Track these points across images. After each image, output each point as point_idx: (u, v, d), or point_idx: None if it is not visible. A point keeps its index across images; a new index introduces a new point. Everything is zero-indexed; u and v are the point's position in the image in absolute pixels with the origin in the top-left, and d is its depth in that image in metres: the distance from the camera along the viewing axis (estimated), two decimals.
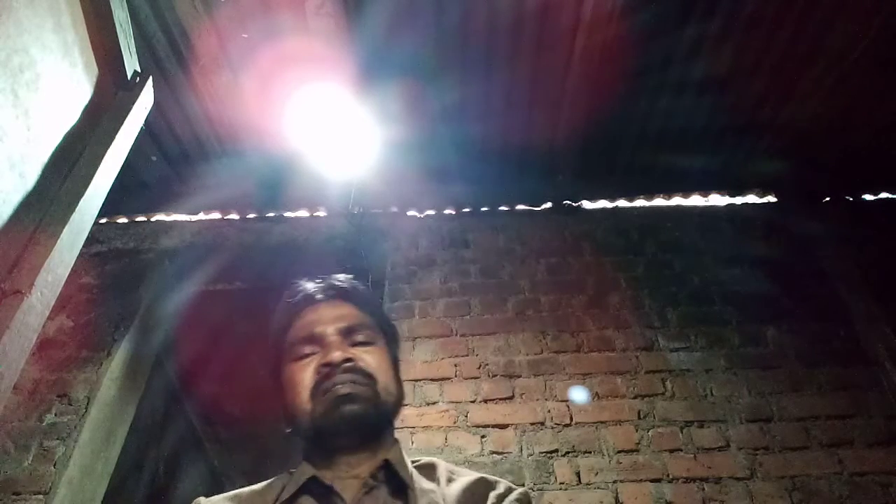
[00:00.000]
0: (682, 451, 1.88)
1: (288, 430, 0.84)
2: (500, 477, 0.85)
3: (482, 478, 0.83)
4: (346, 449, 0.79)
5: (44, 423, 2.01)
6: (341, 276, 0.95)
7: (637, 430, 1.93)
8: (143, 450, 2.96)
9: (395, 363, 0.90)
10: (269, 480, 0.85)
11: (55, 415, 2.04)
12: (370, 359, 0.83)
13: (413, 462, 0.84)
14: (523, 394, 2.03)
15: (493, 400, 2.02)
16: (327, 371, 0.80)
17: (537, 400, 2.01)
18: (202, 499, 0.81)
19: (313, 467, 0.79)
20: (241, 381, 3.51)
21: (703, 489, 1.79)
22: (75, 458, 1.95)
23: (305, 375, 0.81)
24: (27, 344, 1.05)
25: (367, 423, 0.78)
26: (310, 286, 0.92)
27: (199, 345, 3.05)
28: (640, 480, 1.82)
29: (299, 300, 0.90)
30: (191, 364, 3.22)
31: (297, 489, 0.76)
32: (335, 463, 0.79)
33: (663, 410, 1.97)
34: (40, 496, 1.84)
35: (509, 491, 0.81)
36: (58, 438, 1.97)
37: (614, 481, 1.81)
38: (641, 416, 1.96)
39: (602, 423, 1.95)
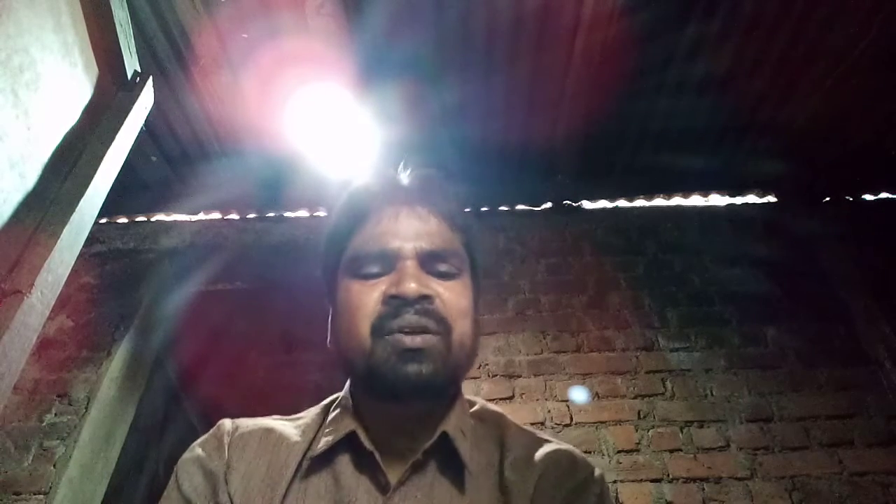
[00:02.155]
0: (682, 451, 1.88)
1: (332, 350, 0.70)
2: (590, 461, 0.72)
3: (557, 451, 0.69)
4: (401, 405, 0.66)
5: (44, 423, 2.01)
6: (431, 171, 0.75)
7: (637, 430, 1.93)
8: (143, 450, 2.96)
9: (476, 303, 0.72)
10: (302, 415, 0.73)
11: (55, 415, 2.04)
12: (451, 298, 0.66)
13: (473, 410, 0.72)
14: (523, 394, 2.03)
15: (493, 400, 2.02)
16: (397, 304, 0.63)
17: (537, 400, 2.01)
18: (227, 423, 0.70)
19: (355, 416, 0.67)
20: (241, 381, 3.52)
21: (703, 489, 1.79)
22: (75, 458, 1.95)
23: (369, 302, 0.65)
24: (27, 344, 1.05)
25: (433, 386, 0.63)
26: (391, 179, 0.73)
27: (199, 345, 3.05)
28: (640, 480, 1.82)
29: (375, 196, 0.72)
30: (191, 364, 3.22)
31: (334, 444, 0.65)
32: (384, 416, 0.67)
33: (663, 410, 1.98)
34: (40, 496, 1.84)
35: (587, 469, 0.68)
36: (58, 438, 1.97)
37: (614, 481, 1.81)
38: (641, 416, 1.96)
39: (602, 423, 1.95)
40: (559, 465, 0.68)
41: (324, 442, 0.65)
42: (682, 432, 1.92)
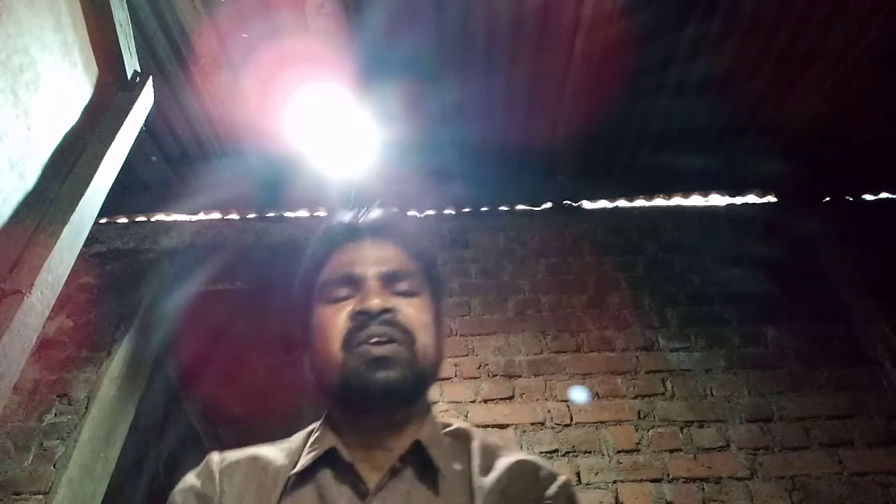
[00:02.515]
0: (682, 451, 1.88)
1: (310, 378, 0.76)
2: (554, 468, 0.77)
3: (521, 461, 0.74)
4: (374, 416, 0.72)
5: (44, 423, 2.01)
6: (387, 210, 0.84)
7: (637, 430, 1.93)
8: (143, 450, 2.96)
9: (438, 319, 0.80)
10: (286, 440, 0.78)
11: (55, 415, 2.03)
12: (411, 311, 0.74)
13: (445, 428, 0.77)
14: (523, 394, 2.03)
15: (493, 400, 2.02)
16: (363, 320, 0.71)
17: (537, 400, 2.01)
18: (215, 455, 0.75)
19: (334, 433, 0.72)
20: (241, 381, 3.52)
21: (703, 489, 1.79)
22: (75, 458, 1.95)
23: (339, 320, 0.72)
24: (27, 344, 1.05)
25: (401, 391, 0.70)
26: (351, 218, 0.82)
27: (199, 345, 3.05)
28: (640, 480, 1.82)
29: (339, 233, 0.81)
30: (191, 364, 3.22)
31: (315, 460, 0.70)
32: (360, 429, 0.72)
33: (663, 410, 1.98)
34: (40, 496, 1.84)
35: (550, 480, 0.73)
36: (58, 438, 1.97)
37: (614, 481, 1.81)
38: (641, 416, 1.96)
39: (602, 423, 1.95)
40: (525, 472, 0.73)
41: (306, 459, 0.70)
42: (682, 432, 1.92)
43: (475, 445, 0.75)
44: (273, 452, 0.75)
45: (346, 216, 0.82)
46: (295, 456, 0.73)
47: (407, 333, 0.72)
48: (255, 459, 0.74)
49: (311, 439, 0.74)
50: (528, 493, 0.71)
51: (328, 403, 0.77)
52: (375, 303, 0.72)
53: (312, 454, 0.70)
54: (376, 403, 0.70)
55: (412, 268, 0.79)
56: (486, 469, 0.72)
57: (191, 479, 0.72)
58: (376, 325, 0.71)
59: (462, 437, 0.77)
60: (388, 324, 0.71)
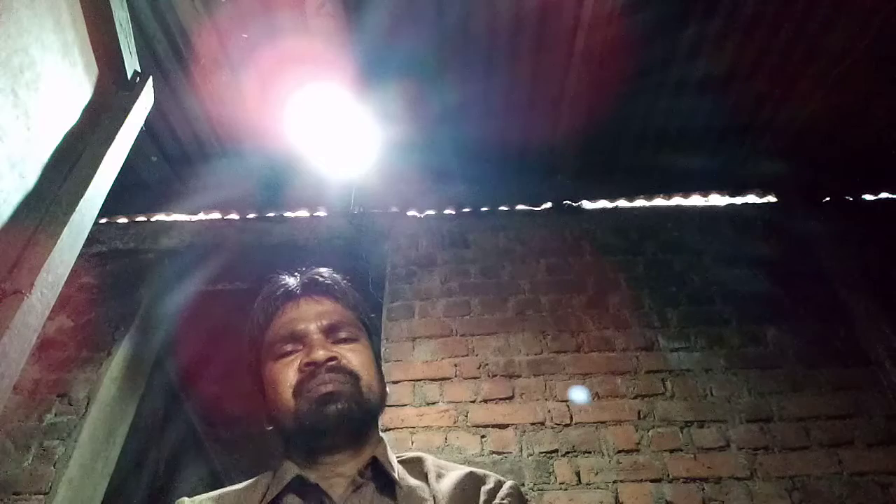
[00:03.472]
0: (682, 451, 1.88)
1: (269, 428, 0.84)
2: (502, 477, 0.84)
3: (471, 472, 0.82)
4: (331, 448, 0.78)
5: (44, 423, 2.01)
6: (321, 270, 0.93)
7: (637, 430, 1.93)
8: (143, 450, 2.96)
9: (377, 359, 0.89)
10: (252, 479, 0.84)
11: (55, 415, 2.04)
12: (353, 357, 0.82)
13: (399, 457, 0.84)
14: (523, 394, 2.03)
15: (493, 400, 2.02)
16: (311, 370, 0.79)
17: (537, 400, 2.01)
18: (185, 499, 0.80)
19: (297, 466, 0.78)
20: (241, 381, 3.51)
21: (703, 489, 1.79)
22: (75, 458, 1.95)
23: (288, 374, 0.80)
24: (27, 344, 1.05)
25: (351, 421, 0.77)
26: (289, 281, 0.91)
27: (199, 345, 3.05)
28: (640, 480, 1.82)
29: (279, 296, 0.89)
30: (191, 364, 3.22)
31: (283, 489, 0.75)
32: (319, 462, 0.78)
33: (663, 410, 1.97)
34: (40, 496, 1.84)
35: (499, 485, 0.81)
36: (58, 438, 1.97)
37: (614, 481, 1.81)
38: (641, 416, 1.96)
39: (602, 423, 1.95)
40: (476, 482, 0.81)
41: (274, 490, 0.76)
42: (682, 432, 1.92)
43: (428, 465, 0.83)
44: (239, 491, 0.81)
45: (285, 280, 0.91)
46: (262, 490, 0.78)
47: (352, 375, 0.80)
48: (221, 498, 0.80)
49: (275, 474, 0.80)
50: (481, 497, 0.78)
51: (287, 445, 0.82)
52: (320, 354, 0.79)
53: (279, 484, 0.76)
54: (330, 435, 0.77)
55: (348, 317, 0.88)
56: (440, 480, 0.80)
57: None
58: (323, 372, 0.78)
59: (415, 462, 0.85)
60: (334, 370, 0.79)
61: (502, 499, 0.78)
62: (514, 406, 2.00)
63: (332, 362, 0.79)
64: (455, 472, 0.82)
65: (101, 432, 2.12)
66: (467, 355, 2.15)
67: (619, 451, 1.88)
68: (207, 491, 0.84)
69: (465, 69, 2.24)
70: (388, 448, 0.83)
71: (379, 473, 0.77)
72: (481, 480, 0.81)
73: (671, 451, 1.88)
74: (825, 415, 1.95)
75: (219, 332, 3.05)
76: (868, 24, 2.07)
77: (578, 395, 2.02)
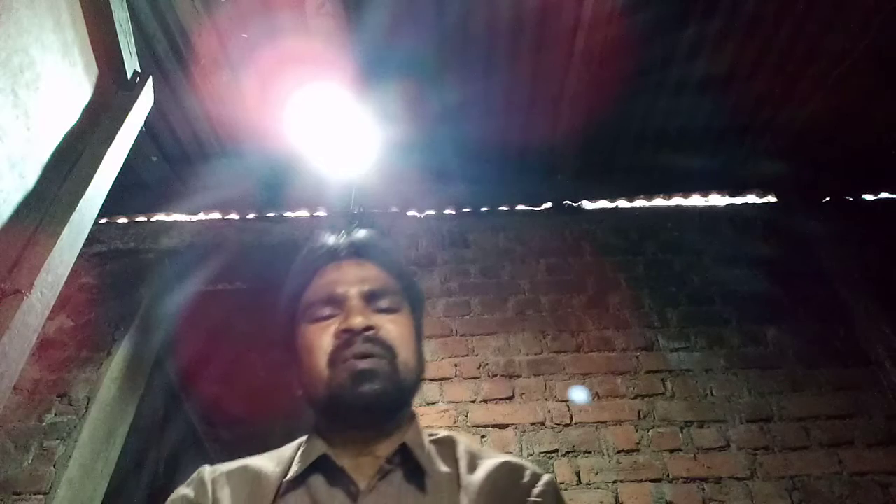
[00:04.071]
0: (682, 451, 1.88)
1: (300, 394, 0.80)
2: (538, 469, 0.80)
3: (506, 462, 0.78)
4: (361, 427, 0.75)
5: (44, 423, 2.01)
6: (367, 231, 0.88)
7: (637, 430, 1.93)
8: (143, 450, 2.96)
9: (418, 333, 0.84)
10: (277, 450, 0.81)
11: (55, 415, 2.03)
12: (392, 328, 0.78)
13: (430, 436, 0.81)
14: (523, 394, 2.03)
15: (493, 400, 2.02)
16: (347, 338, 0.75)
17: (537, 400, 2.01)
18: (206, 467, 0.77)
19: (325, 442, 0.75)
20: (241, 381, 3.52)
21: (703, 489, 1.79)
22: (75, 458, 1.95)
23: (324, 339, 0.76)
24: (27, 344, 1.05)
25: (385, 402, 0.74)
26: (332, 241, 0.86)
27: (199, 345, 3.05)
28: (640, 480, 1.82)
29: (322, 255, 0.85)
30: (191, 364, 3.22)
31: (307, 466, 0.72)
32: (348, 439, 0.75)
33: (663, 410, 1.97)
34: (40, 496, 1.84)
35: (536, 479, 0.77)
36: (58, 438, 1.97)
37: (614, 481, 1.81)
38: (641, 416, 1.96)
39: (602, 423, 1.95)
40: (512, 471, 0.77)
41: (298, 466, 0.73)
42: (682, 432, 1.92)
43: (461, 450, 0.79)
44: (264, 462, 0.78)
45: (327, 239, 0.87)
46: (286, 465, 0.75)
47: (389, 349, 0.76)
48: (245, 469, 0.76)
49: (302, 449, 0.77)
50: (514, 492, 0.74)
51: (317, 415, 0.80)
52: (358, 321, 0.76)
53: (304, 461, 0.73)
54: (362, 414, 0.73)
55: (392, 285, 0.83)
56: (472, 470, 0.75)
57: (183, 489, 0.75)
58: (360, 342, 0.74)
59: (447, 444, 0.81)
60: (371, 341, 0.75)
61: (537, 497, 0.74)
62: (514, 406, 2.00)
63: (370, 332, 0.75)
64: (488, 462, 0.77)
65: (101, 432, 2.12)
66: (467, 355, 2.15)
67: (619, 451, 1.88)
68: None
69: (465, 69, 2.24)
70: (421, 428, 0.79)
71: (408, 459, 0.73)
72: (516, 472, 0.77)
73: (671, 451, 1.88)
74: (825, 415, 1.95)
75: (219, 332, 3.06)
76: (868, 24, 2.07)
77: (578, 395, 2.02)
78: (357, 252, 0.84)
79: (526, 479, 0.76)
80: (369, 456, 0.74)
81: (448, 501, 0.70)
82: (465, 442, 0.82)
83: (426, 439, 0.79)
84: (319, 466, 0.73)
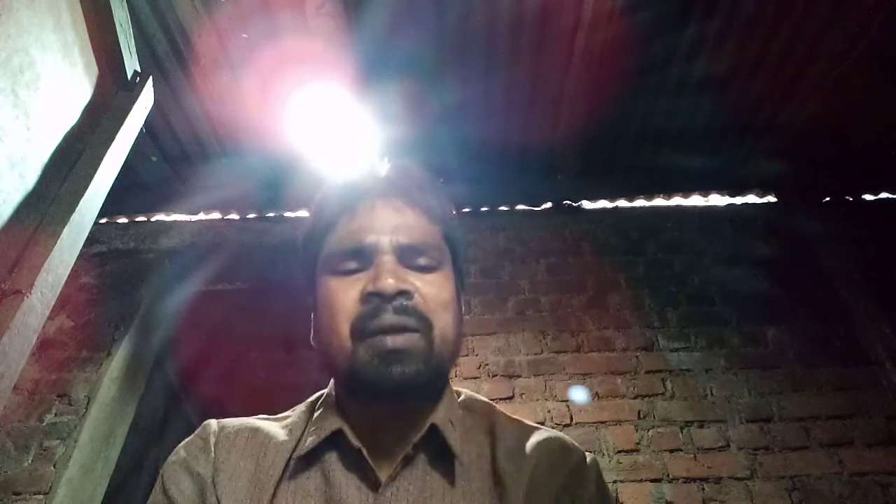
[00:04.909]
0: (682, 451, 1.88)
1: (315, 346, 0.69)
2: (580, 447, 0.74)
3: (548, 440, 0.70)
4: (387, 407, 0.65)
5: (44, 423, 2.01)
6: (409, 164, 0.75)
7: (637, 430, 1.93)
8: (143, 450, 2.96)
9: (458, 294, 0.71)
10: (288, 413, 0.71)
11: (55, 415, 2.04)
12: (430, 292, 0.65)
13: (464, 401, 0.72)
14: (523, 394, 2.03)
15: (493, 400, 2.01)
16: (376, 303, 0.62)
17: (537, 400, 2.01)
18: (213, 423, 0.68)
19: (341, 414, 0.66)
20: (241, 381, 3.52)
21: (703, 489, 1.79)
22: (75, 458, 1.95)
23: (348, 300, 0.64)
24: (27, 344, 1.05)
25: (418, 385, 0.62)
26: (366, 171, 0.73)
27: (199, 345, 3.05)
28: (640, 480, 1.82)
29: (351, 191, 0.71)
30: (191, 364, 3.22)
31: (322, 440, 0.64)
32: (370, 414, 0.65)
33: (663, 410, 1.97)
34: (40, 496, 1.84)
35: (582, 462, 0.71)
36: (58, 438, 1.97)
37: (614, 481, 1.81)
38: (641, 416, 1.96)
39: (602, 423, 1.95)
40: (552, 452, 0.69)
41: (310, 441, 0.64)
42: (682, 432, 1.92)
43: (498, 426, 0.71)
44: (274, 428, 0.69)
45: (359, 168, 0.73)
46: (296, 432, 0.67)
47: (424, 320, 0.63)
48: (255, 433, 0.67)
49: (315, 415, 0.68)
50: (558, 470, 0.67)
51: (335, 380, 0.70)
52: (390, 283, 0.62)
53: (316, 436, 0.64)
54: (389, 395, 0.62)
55: (434, 236, 0.70)
56: (515, 452, 0.67)
57: (183, 451, 0.66)
58: (391, 312, 0.62)
59: (480, 413, 0.72)
60: (404, 311, 0.62)
61: (585, 480, 0.68)
62: (514, 406, 2.00)
63: (403, 298, 0.63)
64: (530, 440, 0.69)
65: (101, 432, 2.12)
66: (467, 355, 2.15)
67: (619, 451, 1.88)
68: None
69: (465, 69, 2.24)
70: (454, 400, 0.70)
71: (435, 440, 0.64)
72: (562, 454, 0.69)
73: (671, 451, 1.88)
74: (825, 415, 1.95)
75: (219, 332, 3.05)
76: (868, 24, 2.07)
77: (578, 395, 2.02)
78: (394, 190, 0.71)
79: (573, 463, 0.69)
80: (392, 434, 0.65)
81: (478, 493, 0.62)
82: (503, 414, 0.73)
83: (457, 412, 0.69)
84: (334, 442, 0.64)
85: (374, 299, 0.62)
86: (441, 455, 0.64)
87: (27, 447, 1.95)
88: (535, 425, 0.73)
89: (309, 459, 0.63)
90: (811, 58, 2.20)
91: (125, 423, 2.31)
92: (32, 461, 1.92)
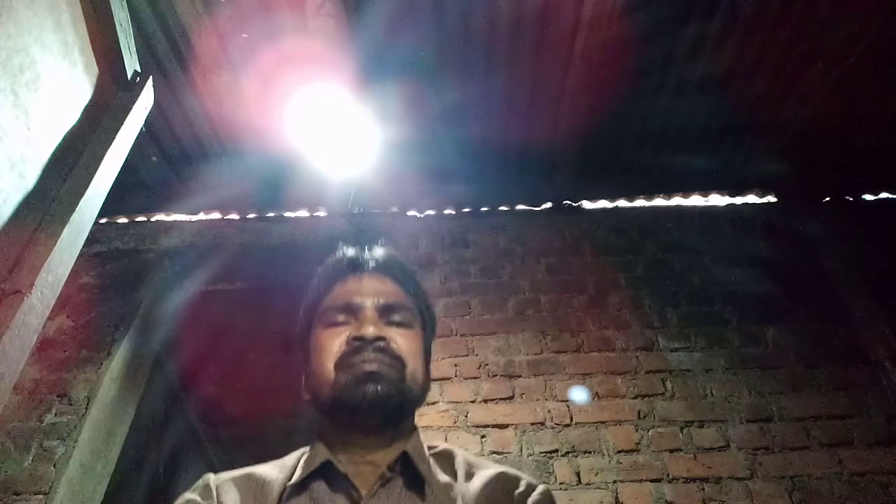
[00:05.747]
0: (682, 451, 1.88)
1: (306, 398, 0.82)
2: (533, 479, 0.82)
3: (502, 473, 0.80)
4: (364, 430, 0.76)
5: (44, 423, 2.01)
6: (387, 249, 0.92)
7: (637, 430, 1.93)
8: (143, 450, 2.96)
9: (427, 351, 0.87)
10: (280, 459, 0.82)
11: (55, 415, 2.03)
12: (403, 342, 0.80)
13: (430, 448, 0.82)
14: (523, 394, 2.03)
15: (493, 400, 2.02)
16: (358, 345, 0.77)
17: (537, 400, 2.01)
18: (211, 475, 0.79)
19: (328, 449, 0.76)
20: (241, 381, 3.52)
21: (703, 489, 1.79)
22: (75, 458, 1.95)
23: (334, 344, 0.79)
24: (27, 344, 1.05)
25: (389, 405, 0.75)
26: (355, 253, 0.90)
27: (199, 345, 3.05)
28: (640, 480, 1.82)
29: (344, 266, 0.88)
30: (191, 364, 3.22)
31: (310, 472, 0.74)
32: (351, 444, 0.76)
33: (663, 410, 1.97)
34: (40, 496, 1.84)
35: (530, 489, 0.78)
36: (58, 438, 1.97)
37: (614, 481, 1.81)
38: (641, 416, 1.96)
39: (602, 423, 1.95)
40: (508, 481, 0.79)
41: (301, 472, 0.74)
42: (682, 432, 1.92)
43: (459, 461, 0.81)
44: (267, 470, 0.79)
45: (351, 251, 0.91)
46: (289, 472, 0.77)
47: (398, 360, 0.78)
48: (250, 476, 0.78)
49: (305, 456, 0.78)
50: (509, 496, 0.76)
51: (321, 420, 0.82)
52: (370, 330, 0.78)
53: (307, 467, 0.75)
54: (365, 416, 0.74)
55: (407, 303, 0.86)
56: (469, 479, 0.78)
57: (188, 495, 0.76)
58: (370, 350, 0.76)
59: (446, 456, 0.83)
60: (381, 351, 0.77)
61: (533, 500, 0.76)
62: (514, 406, 2.00)
63: (381, 342, 0.77)
64: (485, 472, 0.80)
65: (101, 432, 2.12)
66: (467, 355, 2.15)
67: (619, 451, 1.88)
68: None
69: (465, 69, 2.24)
70: (422, 440, 0.81)
71: (409, 468, 0.75)
72: (512, 483, 0.78)
73: (671, 451, 1.88)
74: (825, 415, 1.95)
75: (219, 332, 3.05)
76: (868, 25, 2.07)
77: (578, 395, 2.02)
78: (378, 267, 0.88)
79: (521, 488, 0.78)
80: (370, 464, 0.75)
81: None
82: (462, 453, 0.84)
83: (426, 451, 0.80)
84: (322, 473, 0.74)
85: (357, 342, 0.77)
86: (414, 481, 0.74)
87: (27, 447, 1.95)
88: (495, 464, 0.84)
89: (300, 488, 0.73)
90: (811, 58, 2.20)
91: (125, 423, 2.31)
92: (32, 461, 1.92)
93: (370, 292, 0.84)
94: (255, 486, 0.76)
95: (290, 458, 0.81)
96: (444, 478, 0.76)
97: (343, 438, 0.77)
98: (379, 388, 0.74)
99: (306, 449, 0.81)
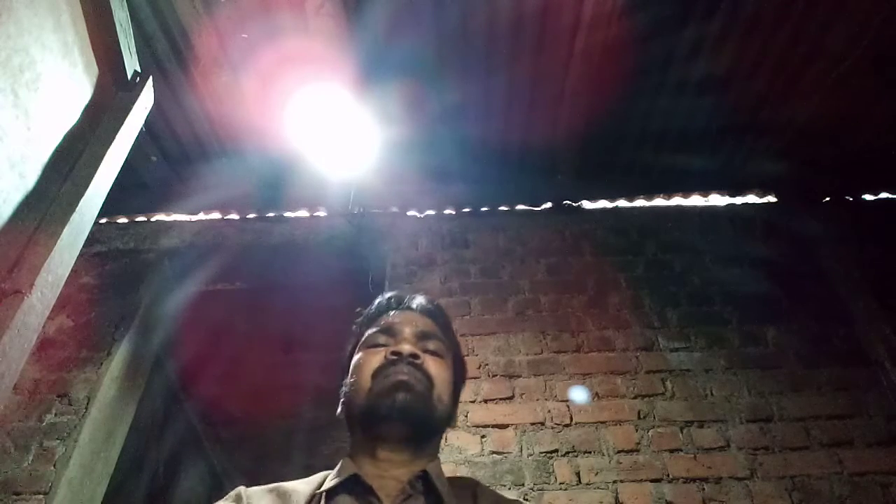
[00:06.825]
0: (682, 451, 1.88)
1: (342, 415, 0.90)
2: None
3: (516, 501, 0.85)
4: (391, 440, 0.82)
5: (44, 423, 2.01)
6: (435, 302, 1.04)
7: (637, 430, 1.93)
8: (143, 450, 2.96)
9: (455, 386, 0.94)
10: (311, 477, 0.88)
11: (55, 415, 2.03)
12: (434, 365, 0.88)
13: (450, 478, 0.86)
14: (523, 394, 2.03)
15: (493, 400, 2.02)
16: (394, 359, 0.85)
17: (537, 400, 2.01)
18: (242, 487, 0.84)
19: (355, 464, 0.82)
20: (241, 381, 3.52)
21: (703, 489, 1.79)
22: (75, 458, 1.95)
23: (374, 360, 0.87)
24: (27, 344, 1.05)
25: (415, 414, 0.82)
26: (400, 293, 1.02)
27: (199, 345, 3.05)
28: (640, 480, 1.82)
29: (391, 301, 0.99)
30: (191, 364, 3.22)
31: (338, 484, 0.78)
32: (377, 458, 0.82)
33: (663, 410, 1.98)
34: (40, 496, 1.84)
35: None
36: (58, 438, 1.97)
37: (614, 481, 1.81)
38: (641, 416, 1.96)
39: (602, 423, 1.95)
40: None
41: (330, 483, 0.80)
42: (682, 432, 1.92)
43: (479, 491, 0.86)
44: (295, 484, 0.85)
45: (398, 293, 1.03)
46: (316, 485, 0.82)
47: (428, 378, 0.86)
48: (278, 489, 0.83)
49: (334, 472, 0.84)
50: None
51: (352, 439, 0.88)
52: (406, 347, 0.87)
53: (335, 479, 0.80)
54: (394, 419, 0.81)
55: (441, 338, 0.95)
56: None
57: (221, 502, 0.80)
58: (404, 364, 0.85)
59: (467, 484, 0.88)
60: (414, 366, 0.85)
61: None
62: (514, 406, 2.00)
63: (415, 359, 0.86)
64: (503, 501, 0.85)
65: (101, 432, 2.12)
66: (467, 355, 2.15)
67: (619, 451, 1.88)
68: (208, 491, 0.85)
69: (464, 69, 2.24)
70: (441, 470, 0.86)
71: (430, 489, 0.79)
72: None
73: (671, 451, 1.88)
74: (825, 415, 1.95)
75: (219, 332, 3.06)
76: (868, 25, 2.07)
77: (578, 395, 2.02)
78: (420, 307, 0.99)
79: None
80: (394, 479, 0.80)
81: None
82: (482, 485, 0.89)
83: (444, 478, 0.84)
84: (349, 486, 0.79)
85: (394, 356, 0.86)
86: (434, 500, 0.78)
87: (27, 447, 1.95)
88: (512, 497, 0.90)
89: (327, 498, 0.78)
90: (811, 58, 2.20)
91: (125, 423, 2.31)
92: (32, 461, 1.92)
93: (410, 321, 0.94)
94: (284, 497, 0.80)
95: (317, 476, 0.86)
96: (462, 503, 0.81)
97: (370, 453, 0.83)
98: (407, 396, 0.81)
99: (332, 470, 0.86)
